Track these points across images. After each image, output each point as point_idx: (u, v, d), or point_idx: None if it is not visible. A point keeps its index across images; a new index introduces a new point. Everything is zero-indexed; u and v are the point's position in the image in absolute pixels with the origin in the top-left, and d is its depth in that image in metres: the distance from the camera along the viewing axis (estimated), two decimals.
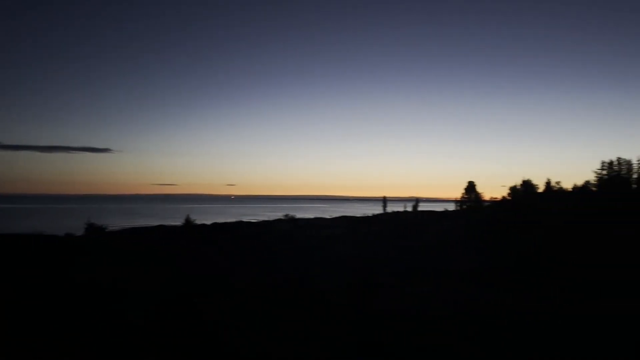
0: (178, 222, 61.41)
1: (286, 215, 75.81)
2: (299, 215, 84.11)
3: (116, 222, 72.33)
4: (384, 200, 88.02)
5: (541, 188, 66.31)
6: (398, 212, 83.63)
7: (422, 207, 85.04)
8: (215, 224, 63.69)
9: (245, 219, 79.44)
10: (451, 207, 77.97)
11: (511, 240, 44.92)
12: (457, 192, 73.79)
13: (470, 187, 72.17)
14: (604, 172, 60.94)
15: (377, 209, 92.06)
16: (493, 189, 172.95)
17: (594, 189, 61.61)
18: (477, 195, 71.85)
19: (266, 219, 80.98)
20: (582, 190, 62.64)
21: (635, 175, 59.72)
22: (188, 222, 57.90)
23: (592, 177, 62.46)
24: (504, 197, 69.67)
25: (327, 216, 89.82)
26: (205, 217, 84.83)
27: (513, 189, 67.58)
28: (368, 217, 79.70)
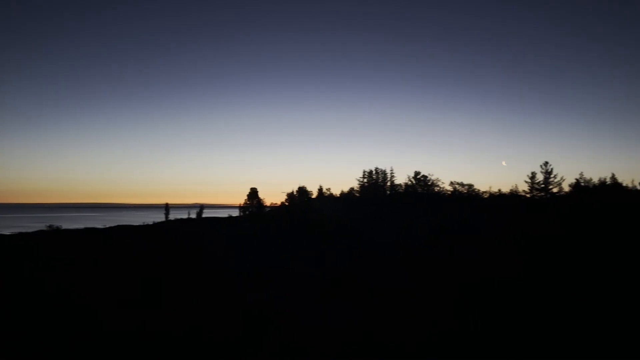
0: None
1: (50, 226, 64.62)
2: (66, 225, 72.43)
3: None
4: (167, 208, 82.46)
5: (315, 194, 70.70)
6: (182, 219, 79.33)
7: (207, 213, 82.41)
8: None
9: None
10: (235, 212, 77.20)
11: (285, 241, 46.51)
12: (241, 199, 73.46)
13: (253, 193, 72.53)
14: (365, 180, 68.28)
15: (159, 217, 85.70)
16: (274, 195, 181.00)
17: (357, 194, 68.43)
18: (259, 201, 72.59)
19: (22, 230, 67.16)
20: (347, 196, 68.94)
21: (389, 183, 68.42)
22: None
23: (356, 184, 69.49)
24: (282, 203, 72.15)
25: (100, 226, 79.43)
26: None
27: (290, 195, 70.42)
28: (148, 225, 73.25)
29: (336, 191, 72.82)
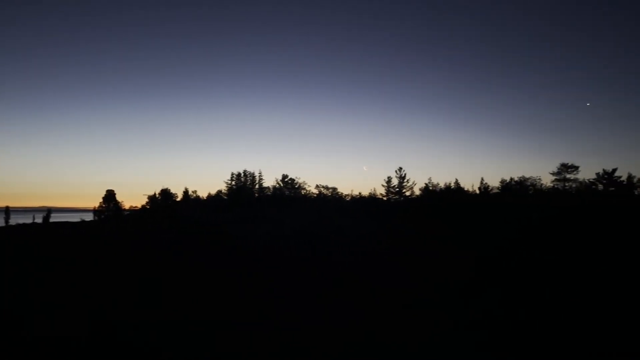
0: None
1: None
2: None
3: None
4: (7, 211, 72.36)
5: (180, 197, 67.18)
6: (25, 223, 70.16)
7: (56, 217, 74.03)
8: None
9: None
10: (89, 217, 70.31)
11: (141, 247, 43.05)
12: (96, 201, 67.03)
13: (109, 196, 66.63)
14: (233, 182, 66.64)
15: None
16: (134, 197, 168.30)
17: (225, 197, 66.48)
18: (117, 204, 66.94)
19: None
20: (215, 198, 66.64)
21: (257, 186, 67.62)
22: None
23: (224, 187, 67.48)
24: (143, 206, 67.42)
25: None
26: None
27: (152, 198, 66.07)
28: None
29: (203, 194, 70.16)
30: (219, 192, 66.65)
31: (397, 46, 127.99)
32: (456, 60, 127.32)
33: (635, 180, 46.45)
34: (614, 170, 46.43)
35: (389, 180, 59.13)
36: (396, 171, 58.69)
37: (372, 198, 60.95)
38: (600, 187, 47.49)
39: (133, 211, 67.67)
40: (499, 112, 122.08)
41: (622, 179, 46.57)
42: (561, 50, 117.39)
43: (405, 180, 58.10)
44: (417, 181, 66.72)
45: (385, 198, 59.80)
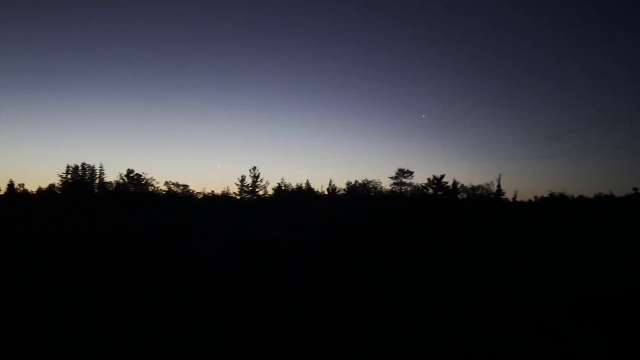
0: None
1: None
2: None
3: None
4: None
5: (3, 190, 58.35)
6: None
7: None
8: None
9: None
10: None
11: None
12: None
13: None
14: (69, 176, 59.78)
15: None
16: None
17: (59, 192, 59.33)
18: None
19: None
20: (47, 193, 59.14)
21: (98, 181, 61.54)
22: None
23: (58, 181, 60.17)
24: None
25: None
26: None
27: None
28: None
29: (33, 187, 61.83)
30: (52, 186, 59.27)
31: (251, 44, 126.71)
32: (309, 64, 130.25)
33: (459, 185, 51.76)
34: (442, 176, 51.19)
35: (242, 179, 58.09)
36: (250, 170, 57.93)
37: (225, 196, 59.30)
38: (431, 190, 52.04)
39: None
40: (346, 116, 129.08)
41: (448, 184, 51.60)
42: (400, 65, 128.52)
43: (259, 179, 57.57)
44: (270, 181, 66.68)
45: (238, 197, 58.59)
